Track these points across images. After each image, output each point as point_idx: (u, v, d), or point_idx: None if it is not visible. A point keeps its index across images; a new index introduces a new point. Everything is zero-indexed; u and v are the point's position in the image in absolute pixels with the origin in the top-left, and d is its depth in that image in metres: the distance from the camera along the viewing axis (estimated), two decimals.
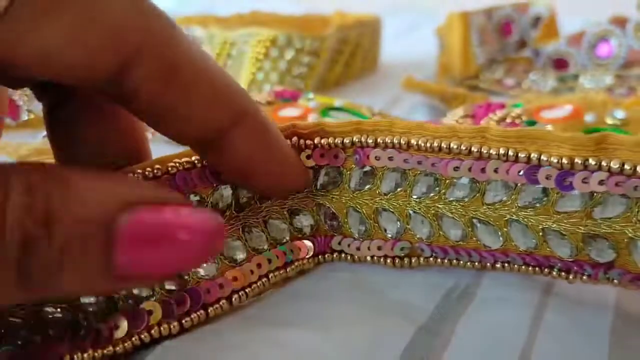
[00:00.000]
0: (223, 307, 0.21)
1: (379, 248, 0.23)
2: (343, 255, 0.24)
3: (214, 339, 0.20)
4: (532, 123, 0.33)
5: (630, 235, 0.20)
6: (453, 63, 0.52)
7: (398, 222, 0.23)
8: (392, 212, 0.23)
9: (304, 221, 0.23)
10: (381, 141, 0.22)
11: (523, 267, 0.22)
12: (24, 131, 0.38)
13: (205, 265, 0.21)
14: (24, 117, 0.40)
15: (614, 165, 0.20)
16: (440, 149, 0.21)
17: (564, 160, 0.20)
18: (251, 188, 0.23)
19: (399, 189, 0.23)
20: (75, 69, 0.17)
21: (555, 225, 0.21)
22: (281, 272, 0.23)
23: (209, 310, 0.21)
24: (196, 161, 0.22)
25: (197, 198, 0.22)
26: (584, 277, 0.21)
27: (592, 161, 0.20)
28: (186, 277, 0.21)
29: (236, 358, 0.19)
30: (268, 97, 0.41)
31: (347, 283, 0.23)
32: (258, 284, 0.22)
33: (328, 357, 0.19)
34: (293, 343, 0.19)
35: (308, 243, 0.23)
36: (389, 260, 0.23)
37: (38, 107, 0.40)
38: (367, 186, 0.23)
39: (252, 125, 0.20)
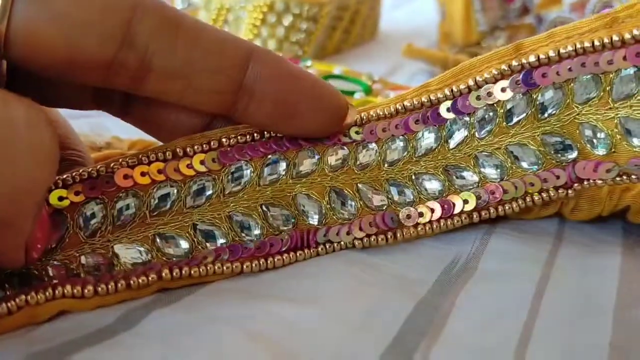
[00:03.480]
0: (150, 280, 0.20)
1: (371, 224, 0.22)
2: (329, 245, 0.22)
3: (206, 310, 0.20)
4: None
5: (577, 121, 0.22)
6: (455, 30, 0.51)
7: (380, 195, 0.23)
8: (370, 186, 0.23)
9: (279, 218, 0.22)
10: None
11: (507, 206, 0.22)
12: None
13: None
14: None
15: (532, 59, 0.22)
16: (397, 111, 0.23)
17: (494, 72, 0.22)
18: (291, 128, 0.22)
19: (374, 161, 0.23)
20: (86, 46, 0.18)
21: (513, 139, 0.22)
22: (235, 265, 0.21)
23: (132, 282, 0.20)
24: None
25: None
26: (561, 191, 0.22)
27: (515, 63, 0.22)
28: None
29: (229, 329, 0.18)
30: None
31: (344, 260, 0.22)
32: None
33: (326, 330, 0.19)
34: (289, 317, 0.19)
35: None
36: (380, 238, 0.22)
37: None
38: (345, 165, 0.23)
39: (265, 56, 0.21)
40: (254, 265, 0.21)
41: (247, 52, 0.20)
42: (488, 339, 0.18)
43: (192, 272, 0.21)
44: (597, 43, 0.21)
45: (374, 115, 0.23)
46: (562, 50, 0.22)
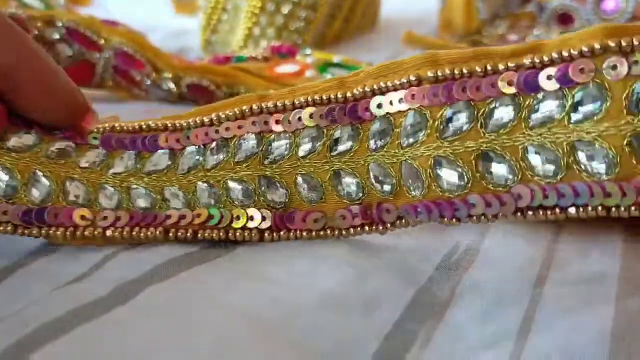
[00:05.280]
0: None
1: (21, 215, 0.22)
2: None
3: (204, 290, 0.19)
4: None
5: (295, 172, 0.23)
6: (455, 18, 0.51)
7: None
8: (80, 181, 0.23)
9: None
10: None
11: (214, 232, 0.23)
12: None
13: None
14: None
15: (270, 105, 0.23)
16: (148, 128, 0.24)
17: (237, 111, 0.23)
18: (16, 106, 0.23)
19: (97, 166, 0.24)
20: None
21: (235, 175, 0.23)
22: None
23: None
24: None
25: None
26: (267, 234, 0.23)
27: (255, 107, 0.23)
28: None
29: (230, 314, 0.18)
30: (265, 52, 0.40)
31: (343, 246, 0.22)
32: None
33: (327, 317, 0.19)
34: (290, 303, 0.19)
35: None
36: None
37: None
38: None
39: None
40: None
41: None
42: (488, 328, 0.18)
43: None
44: (324, 97, 0.22)
45: (118, 127, 0.24)
46: (296, 101, 0.22)
